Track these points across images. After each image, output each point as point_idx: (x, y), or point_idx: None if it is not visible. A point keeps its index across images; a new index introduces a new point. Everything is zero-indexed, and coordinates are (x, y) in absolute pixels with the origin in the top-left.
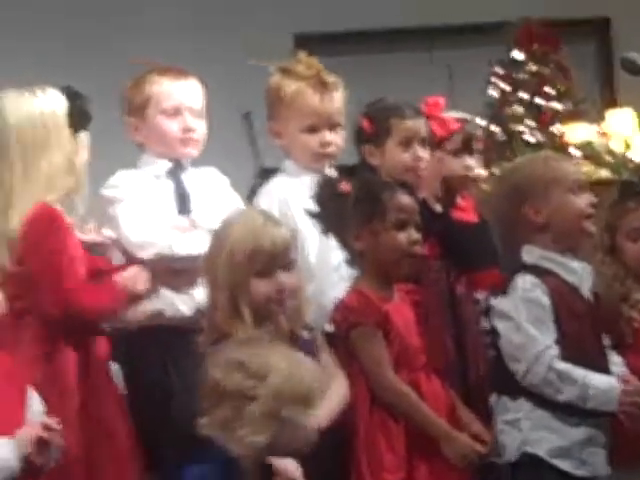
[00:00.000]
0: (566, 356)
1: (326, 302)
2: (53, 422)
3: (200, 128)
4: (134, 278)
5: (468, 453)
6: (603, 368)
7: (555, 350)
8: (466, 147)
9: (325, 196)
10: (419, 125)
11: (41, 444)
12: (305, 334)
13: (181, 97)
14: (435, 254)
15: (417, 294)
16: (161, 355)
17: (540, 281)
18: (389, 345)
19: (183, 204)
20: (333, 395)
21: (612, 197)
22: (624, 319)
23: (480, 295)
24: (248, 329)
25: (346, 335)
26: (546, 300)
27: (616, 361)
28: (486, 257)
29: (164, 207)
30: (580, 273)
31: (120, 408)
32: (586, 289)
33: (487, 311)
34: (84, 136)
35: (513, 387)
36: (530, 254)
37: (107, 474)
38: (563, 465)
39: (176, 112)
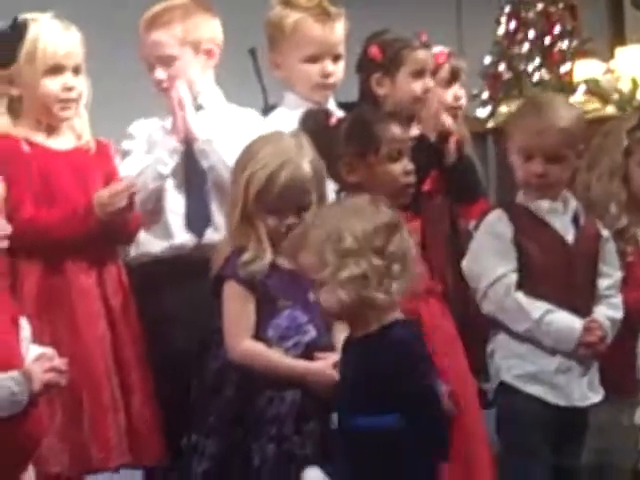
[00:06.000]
0: (533, 288)
1: None
2: (62, 364)
3: None
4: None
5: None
6: (577, 305)
7: (512, 279)
8: (454, 78)
9: (314, 128)
10: (429, 56)
11: (49, 385)
12: None
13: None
14: (438, 189)
15: (413, 222)
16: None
17: (506, 213)
18: None
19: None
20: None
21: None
22: (618, 252)
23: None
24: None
25: None
26: (509, 231)
27: (612, 303)
28: (480, 190)
29: None
30: (560, 213)
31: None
32: (568, 231)
33: None
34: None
35: (493, 321)
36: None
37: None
38: (532, 390)
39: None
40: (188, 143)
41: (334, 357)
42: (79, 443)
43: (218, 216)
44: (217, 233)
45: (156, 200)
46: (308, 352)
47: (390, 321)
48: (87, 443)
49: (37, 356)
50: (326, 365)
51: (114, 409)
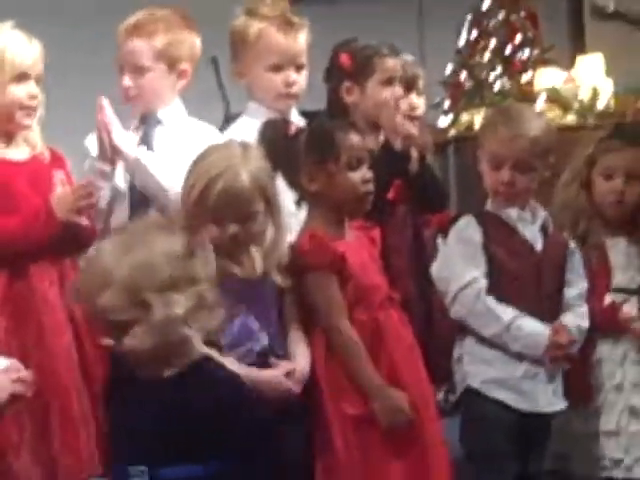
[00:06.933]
0: (502, 294)
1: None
2: (29, 375)
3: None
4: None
5: (395, 414)
6: (544, 313)
7: (482, 283)
8: (408, 87)
9: (273, 137)
10: (399, 64)
11: (15, 397)
12: (278, 278)
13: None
14: (401, 197)
15: (372, 230)
16: None
17: (475, 219)
18: (344, 286)
19: None
20: (300, 356)
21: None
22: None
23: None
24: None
25: (299, 278)
26: (478, 237)
27: (579, 312)
28: (445, 199)
29: None
30: (528, 222)
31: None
32: (536, 240)
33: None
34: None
35: (460, 326)
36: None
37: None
38: (499, 395)
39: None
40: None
41: (287, 366)
42: (49, 457)
43: None
44: None
45: (106, 217)
46: (260, 360)
47: (197, 357)
48: (58, 456)
49: (4, 368)
50: (278, 373)
51: (84, 420)
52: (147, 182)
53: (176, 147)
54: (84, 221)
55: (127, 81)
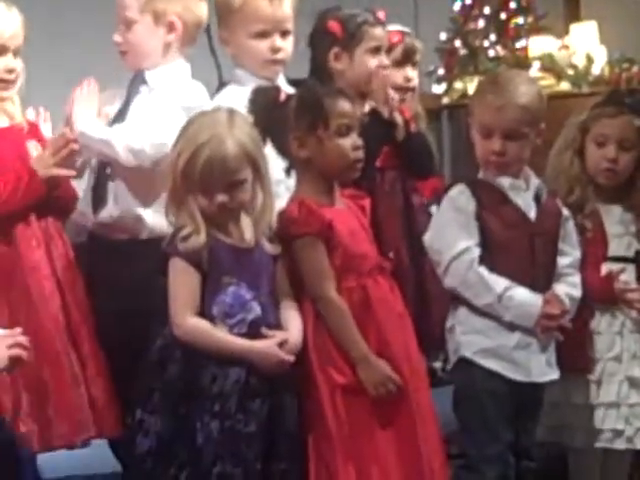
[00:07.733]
0: (493, 264)
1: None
2: (25, 340)
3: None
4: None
5: (382, 382)
6: (538, 282)
7: (475, 253)
8: (407, 59)
9: (264, 104)
10: (385, 34)
11: (14, 360)
12: (268, 246)
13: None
14: (390, 164)
15: (363, 199)
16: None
17: (468, 188)
18: (333, 253)
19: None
20: (292, 326)
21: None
22: (577, 229)
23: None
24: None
25: (288, 246)
26: (471, 206)
27: (571, 282)
28: (433, 165)
29: None
30: (522, 191)
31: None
32: (530, 208)
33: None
34: None
35: (453, 296)
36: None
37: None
38: (492, 365)
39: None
40: None
41: (280, 335)
42: (46, 422)
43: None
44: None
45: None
46: (252, 330)
47: None
48: (53, 421)
49: (1, 334)
50: (271, 344)
51: (75, 384)
52: (94, 147)
53: (154, 109)
54: (67, 172)
55: (117, 37)
